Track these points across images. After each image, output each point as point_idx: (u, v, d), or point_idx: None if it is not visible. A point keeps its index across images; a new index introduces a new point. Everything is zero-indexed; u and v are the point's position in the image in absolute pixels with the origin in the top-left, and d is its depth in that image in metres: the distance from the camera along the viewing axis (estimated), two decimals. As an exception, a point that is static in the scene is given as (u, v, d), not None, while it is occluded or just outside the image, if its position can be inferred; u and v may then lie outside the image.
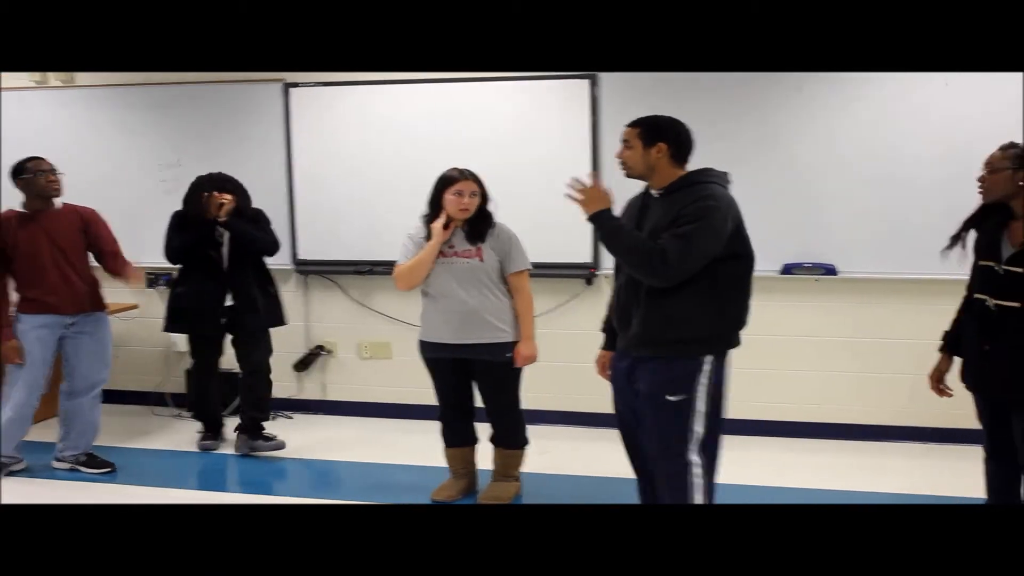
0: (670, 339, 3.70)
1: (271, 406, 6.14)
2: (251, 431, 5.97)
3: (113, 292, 6.81)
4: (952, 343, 4.09)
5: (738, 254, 3.71)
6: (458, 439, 5.08)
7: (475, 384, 4.98)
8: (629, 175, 3.84)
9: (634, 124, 3.83)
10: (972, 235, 3.92)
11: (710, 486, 3.77)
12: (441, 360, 4.90)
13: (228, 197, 5.64)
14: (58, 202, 5.49)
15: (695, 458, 3.70)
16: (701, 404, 3.68)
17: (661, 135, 3.76)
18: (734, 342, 3.81)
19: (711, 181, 3.74)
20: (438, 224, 4.75)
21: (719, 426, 3.81)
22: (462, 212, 4.74)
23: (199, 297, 5.84)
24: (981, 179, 3.78)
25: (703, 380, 3.68)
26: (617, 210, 3.86)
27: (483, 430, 5.07)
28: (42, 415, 6.09)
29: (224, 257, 5.80)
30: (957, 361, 4.06)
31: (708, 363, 3.69)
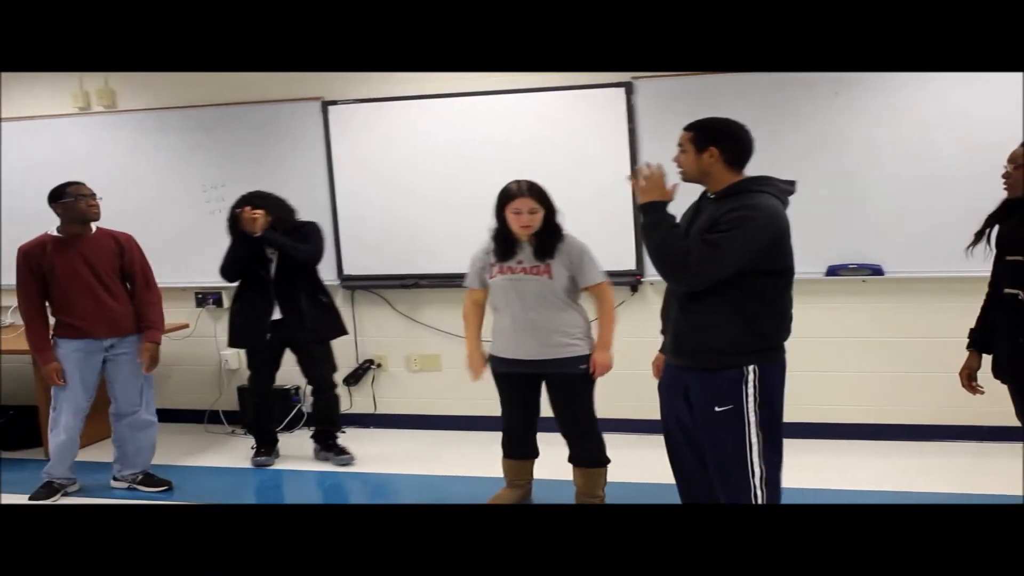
0: (697, 348, 3.69)
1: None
2: (323, 441, 6.17)
3: (164, 312, 6.94)
4: (979, 339, 4.11)
5: (776, 269, 3.65)
6: (519, 452, 5.05)
7: (548, 398, 4.91)
8: (685, 179, 3.77)
9: (688, 128, 3.76)
10: (993, 231, 3.95)
11: (773, 495, 3.73)
12: (508, 376, 4.88)
13: (259, 212, 5.71)
14: (93, 226, 5.55)
15: (756, 468, 3.66)
16: (752, 414, 3.64)
17: (713, 139, 3.67)
18: (772, 355, 3.72)
19: (762, 190, 3.65)
20: (475, 364, 4.92)
21: (778, 436, 3.77)
22: (524, 230, 4.67)
23: (247, 314, 5.95)
24: (1006, 175, 3.82)
25: (749, 390, 3.63)
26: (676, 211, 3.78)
27: (544, 442, 5.09)
28: (96, 436, 6.21)
29: (271, 272, 5.89)
30: (986, 357, 4.08)
31: (752, 372, 3.63)
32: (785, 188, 3.75)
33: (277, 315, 5.89)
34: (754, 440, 3.65)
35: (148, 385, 5.70)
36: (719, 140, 3.68)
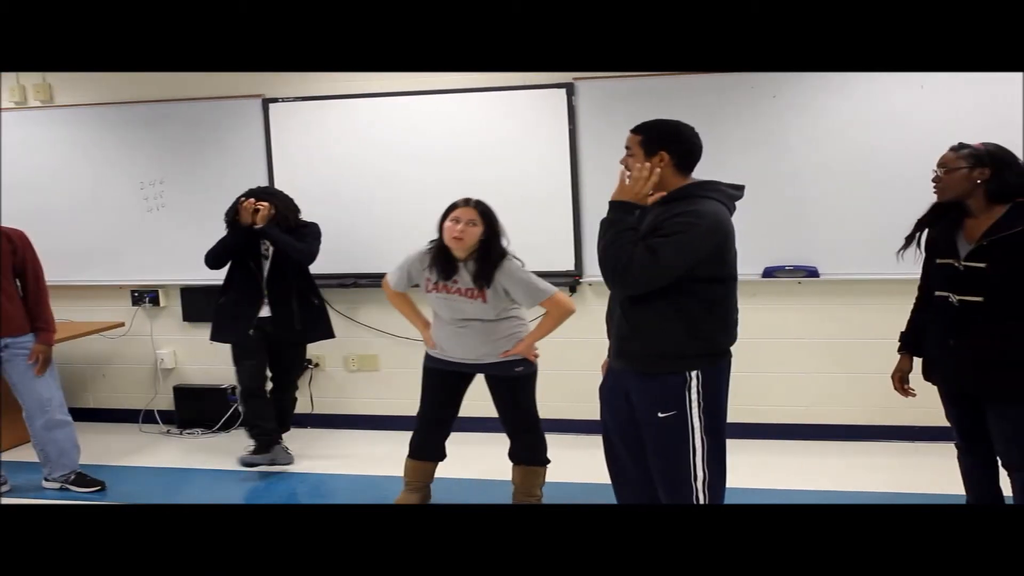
0: (640, 352, 3.63)
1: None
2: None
3: (99, 310, 6.89)
4: (910, 342, 4.16)
5: (720, 275, 3.59)
6: (426, 453, 4.99)
7: (490, 396, 4.90)
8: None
9: (637, 130, 3.66)
10: (924, 235, 4.01)
11: (716, 499, 3.69)
12: (439, 371, 4.85)
13: (264, 204, 5.66)
14: None
15: (699, 472, 3.62)
16: (696, 420, 3.59)
17: (663, 143, 3.57)
18: (715, 361, 3.67)
19: (708, 196, 3.58)
20: (431, 339, 4.83)
21: (722, 440, 3.72)
22: (456, 241, 4.57)
23: (235, 307, 5.86)
24: (936, 179, 3.86)
25: (693, 396, 3.57)
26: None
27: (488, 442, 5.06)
28: (21, 438, 6.12)
29: (264, 268, 5.82)
30: (917, 360, 4.14)
31: (695, 378, 3.57)
32: (732, 193, 3.70)
33: (266, 312, 5.81)
34: (698, 445, 3.60)
35: (55, 385, 5.55)
36: (670, 144, 3.59)
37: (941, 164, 3.85)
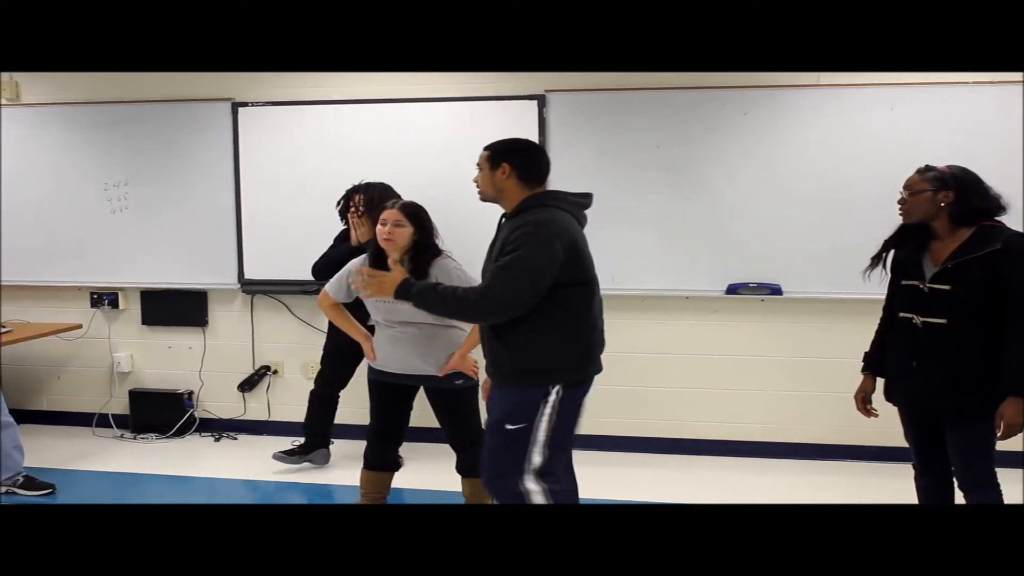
0: (510, 369, 3.66)
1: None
2: None
3: (57, 311, 6.81)
4: (873, 362, 4.15)
5: (577, 281, 3.63)
6: (380, 463, 4.94)
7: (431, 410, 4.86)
8: (483, 199, 3.83)
9: (485, 148, 3.81)
10: (889, 256, 4.03)
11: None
12: (384, 384, 4.81)
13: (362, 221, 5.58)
14: None
15: (532, 486, 3.64)
16: (541, 434, 3.62)
17: (505, 157, 3.72)
18: (588, 371, 3.73)
19: (547, 204, 3.67)
20: (370, 351, 4.77)
21: (565, 452, 3.77)
22: (386, 243, 4.55)
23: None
24: (902, 201, 3.89)
25: (547, 410, 3.61)
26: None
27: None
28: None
29: None
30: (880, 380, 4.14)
31: (555, 392, 3.61)
32: (578, 201, 3.78)
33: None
34: (537, 459, 3.64)
35: None
36: (510, 156, 3.73)
37: (906, 186, 3.88)
